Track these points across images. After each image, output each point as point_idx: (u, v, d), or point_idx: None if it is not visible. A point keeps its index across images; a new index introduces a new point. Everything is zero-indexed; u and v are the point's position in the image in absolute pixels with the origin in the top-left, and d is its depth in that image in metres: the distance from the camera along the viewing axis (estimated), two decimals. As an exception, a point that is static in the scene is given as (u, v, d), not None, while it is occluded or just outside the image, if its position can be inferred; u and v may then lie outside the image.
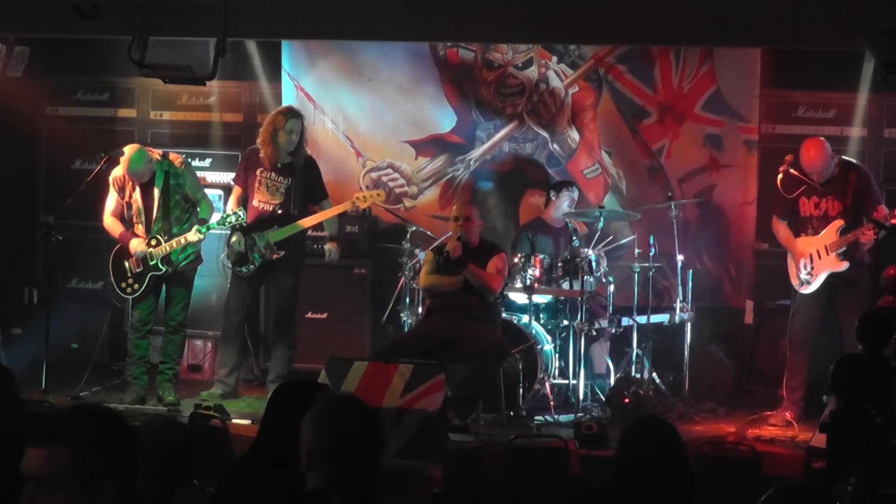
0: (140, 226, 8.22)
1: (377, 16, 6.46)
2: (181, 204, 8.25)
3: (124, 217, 8.28)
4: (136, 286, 8.24)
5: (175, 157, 8.34)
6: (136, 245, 8.18)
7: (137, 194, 8.20)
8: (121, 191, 8.24)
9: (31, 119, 10.15)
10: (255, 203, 8.46)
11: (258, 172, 8.45)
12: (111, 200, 8.30)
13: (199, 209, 8.29)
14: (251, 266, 8.41)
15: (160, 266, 8.17)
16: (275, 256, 8.33)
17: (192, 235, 8.12)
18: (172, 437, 3.58)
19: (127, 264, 8.24)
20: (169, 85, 7.21)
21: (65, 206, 8.52)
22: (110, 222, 8.30)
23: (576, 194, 8.93)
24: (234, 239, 8.39)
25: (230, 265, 8.60)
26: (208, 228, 8.18)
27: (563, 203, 8.85)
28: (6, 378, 4.19)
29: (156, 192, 8.17)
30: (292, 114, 8.44)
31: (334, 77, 9.84)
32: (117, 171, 8.27)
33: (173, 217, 8.21)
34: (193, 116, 10.18)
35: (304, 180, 8.46)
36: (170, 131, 10.17)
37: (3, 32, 8.66)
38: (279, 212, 8.39)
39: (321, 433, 3.24)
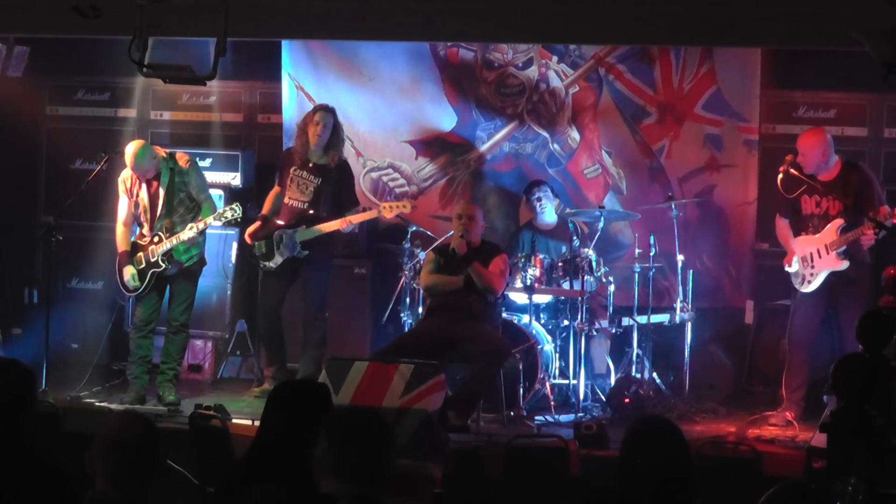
0: (146, 225, 8.24)
1: (377, 16, 6.46)
2: (185, 203, 8.26)
3: (135, 218, 8.30)
4: (138, 283, 8.25)
5: (181, 155, 8.35)
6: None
7: (144, 192, 8.22)
8: (129, 192, 8.26)
9: (31, 119, 10.15)
10: (286, 200, 8.51)
11: (291, 170, 8.50)
12: (122, 206, 8.32)
13: (201, 210, 8.29)
14: (278, 259, 8.42)
15: (161, 263, 8.18)
16: (301, 256, 8.36)
17: (185, 233, 8.12)
18: (136, 433, 3.55)
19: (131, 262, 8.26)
20: (169, 85, 7.21)
21: (65, 206, 8.53)
22: (119, 234, 8.33)
23: (546, 190, 8.91)
24: (251, 227, 8.45)
25: (256, 260, 8.61)
26: (205, 225, 8.16)
27: (536, 206, 8.88)
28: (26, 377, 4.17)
29: (161, 189, 8.19)
30: (324, 108, 8.56)
31: (334, 77, 9.83)
32: (125, 173, 8.28)
33: (177, 216, 8.21)
34: (194, 116, 10.19)
35: (336, 184, 8.46)
36: (170, 131, 10.17)
37: (4, 32, 8.65)
38: (310, 211, 8.42)
39: (331, 438, 3.27)
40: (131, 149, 8.17)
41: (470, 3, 6.34)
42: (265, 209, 8.64)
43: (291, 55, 9.85)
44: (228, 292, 9.59)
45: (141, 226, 8.29)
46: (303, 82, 9.83)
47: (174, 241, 8.13)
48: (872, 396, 5.29)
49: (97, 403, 8.09)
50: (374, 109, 9.83)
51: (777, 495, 3.02)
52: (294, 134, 8.65)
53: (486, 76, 9.68)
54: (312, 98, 9.77)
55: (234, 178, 9.73)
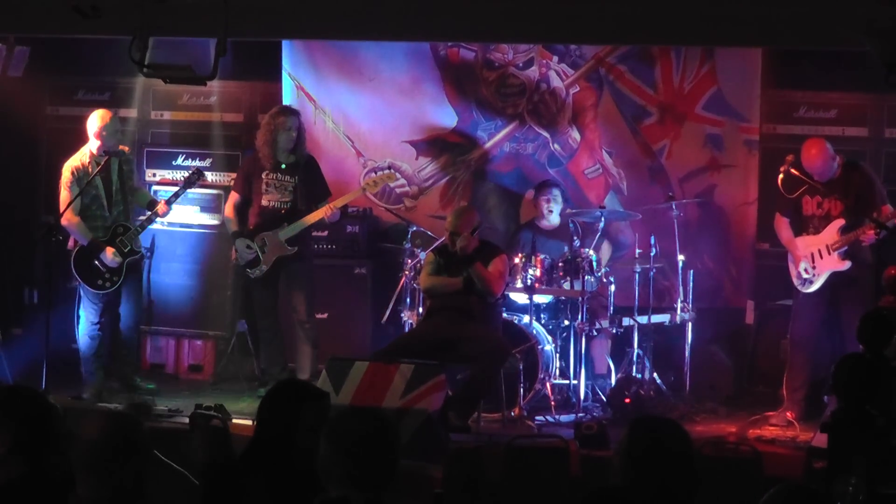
0: (99, 212, 8.28)
1: (377, 16, 6.45)
2: (132, 191, 8.46)
3: (83, 209, 8.29)
4: (114, 279, 8.32)
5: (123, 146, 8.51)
6: (109, 252, 8.25)
7: (98, 181, 8.23)
8: (79, 181, 8.23)
9: (31, 119, 10.13)
10: (264, 203, 8.52)
11: (263, 175, 8.52)
12: (75, 199, 8.21)
13: (137, 197, 8.53)
14: (263, 267, 8.46)
15: (135, 250, 8.29)
16: (290, 253, 8.42)
17: (162, 208, 8.34)
18: (95, 433, 3.52)
19: (98, 261, 8.26)
20: (169, 85, 7.21)
21: (65, 206, 8.51)
22: (80, 226, 8.27)
23: (554, 193, 8.92)
24: (240, 245, 8.48)
25: (241, 268, 8.66)
26: (177, 196, 8.45)
27: (544, 207, 8.88)
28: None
29: (114, 177, 8.27)
30: (290, 111, 8.66)
31: (335, 77, 9.83)
32: (77, 159, 8.29)
33: (129, 205, 8.38)
34: (194, 116, 10.18)
35: (307, 178, 8.58)
36: (170, 131, 10.16)
37: (3, 32, 8.65)
38: (288, 208, 8.48)
39: (332, 442, 3.26)
40: (104, 116, 8.30)
41: (470, 3, 6.33)
42: (235, 225, 8.64)
43: (291, 55, 9.84)
44: (228, 292, 9.58)
45: (91, 215, 8.29)
46: (303, 82, 9.83)
47: (145, 223, 8.36)
48: (873, 397, 5.30)
49: (98, 403, 8.10)
50: (375, 109, 9.83)
51: (777, 496, 3.02)
52: (259, 139, 8.59)
53: (486, 76, 9.67)
54: (313, 98, 9.78)
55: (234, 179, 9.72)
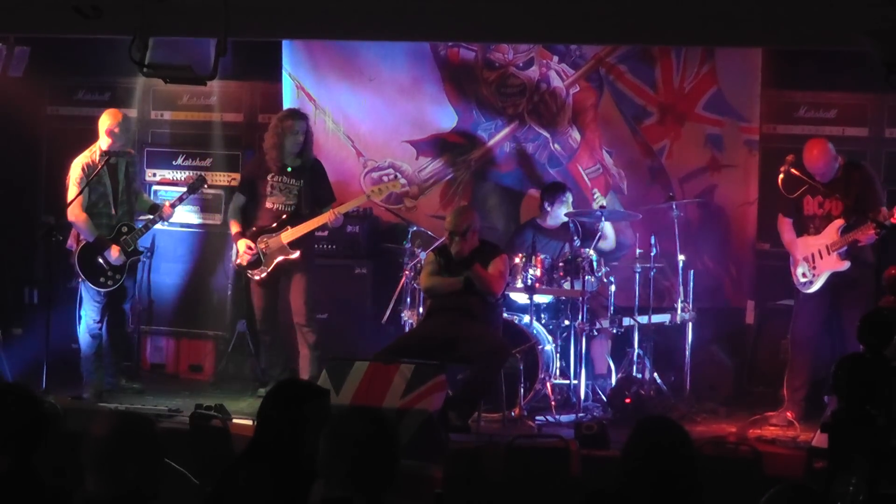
0: (105, 210, 8.29)
1: (377, 16, 6.45)
2: (136, 192, 8.52)
3: (90, 206, 8.32)
4: (116, 276, 8.35)
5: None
6: (115, 251, 8.27)
7: (107, 178, 8.27)
8: (88, 177, 8.24)
9: (31, 119, 10.13)
10: (268, 205, 8.54)
11: (269, 178, 8.53)
12: (83, 194, 8.25)
13: (138, 201, 8.58)
14: (265, 268, 8.47)
15: (138, 250, 8.38)
16: (292, 257, 8.41)
17: (167, 210, 8.42)
18: (96, 431, 3.51)
19: (102, 259, 8.28)
20: (169, 85, 7.21)
21: (65, 206, 8.52)
22: (87, 223, 8.30)
23: (569, 197, 8.95)
24: (241, 245, 8.48)
25: (241, 269, 8.67)
26: (181, 200, 8.57)
27: (559, 210, 8.88)
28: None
29: (120, 177, 8.33)
30: (298, 115, 8.66)
31: (335, 77, 9.83)
32: (86, 157, 8.30)
33: (132, 206, 8.46)
34: (194, 116, 10.17)
35: (313, 182, 8.59)
36: (170, 131, 10.16)
37: (4, 32, 8.65)
38: (291, 212, 8.51)
39: (333, 443, 3.27)
40: (116, 115, 8.39)
41: (470, 3, 6.33)
42: (238, 226, 8.67)
43: (292, 55, 9.84)
44: (228, 292, 9.58)
45: (100, 216, 8.31)
46: (303, 82, 9.83)
47: (149, 224, 8.43)
48: (873, 397, 5.30)
49: (98, 403, 8.10)
50: (375, 109, 9.83)
51: (778, 495, 3.02)
52: (266, 142, 8.63)
53: (486, 76, 9.67)
54: (313, 98, 9.78)
55: (235, 179, 9.71)
